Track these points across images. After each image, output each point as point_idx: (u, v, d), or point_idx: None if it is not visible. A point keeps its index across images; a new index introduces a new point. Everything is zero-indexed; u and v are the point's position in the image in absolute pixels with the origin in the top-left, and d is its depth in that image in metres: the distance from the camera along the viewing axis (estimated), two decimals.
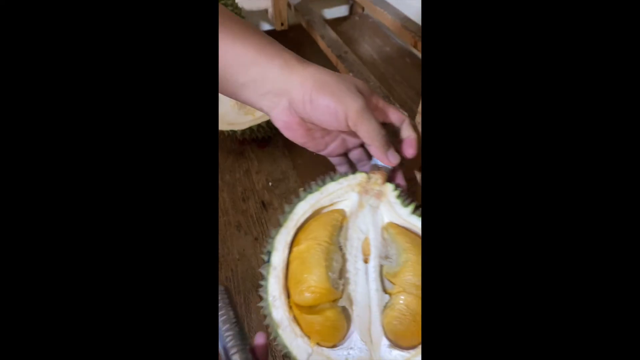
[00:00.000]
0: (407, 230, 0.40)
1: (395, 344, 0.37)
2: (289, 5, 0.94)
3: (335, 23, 1.02)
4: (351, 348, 0.39)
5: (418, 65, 0.92)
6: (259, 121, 0.75)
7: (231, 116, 0.79)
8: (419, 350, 0.36)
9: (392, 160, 0.40)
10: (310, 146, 0.44)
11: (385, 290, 0.40)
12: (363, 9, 1.11)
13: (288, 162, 0.76)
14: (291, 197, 0.45)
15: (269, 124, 0.74)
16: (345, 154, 0.47)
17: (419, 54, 0.92)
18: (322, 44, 0.82)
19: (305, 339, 0.39)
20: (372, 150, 0.40)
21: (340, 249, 0.42)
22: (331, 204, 0.44)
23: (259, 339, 0.41)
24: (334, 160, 0.48)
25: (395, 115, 0.42)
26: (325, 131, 0.42)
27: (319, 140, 0.43)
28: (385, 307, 0.38)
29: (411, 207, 0.40)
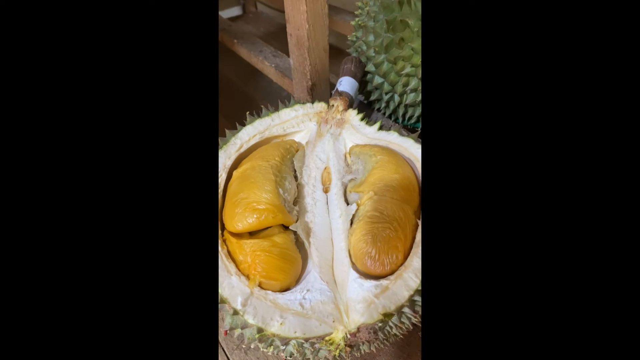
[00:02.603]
0: (374, 145, 0.34)
1: (367, 273, 0.27)
2: None
3: (229, 21, 1.05)
4: (308, 290, 0.27)
5: None
6: None
7: None
8: (400, 272, 0.26)
9: None
10: None
11: (348, 204, 0.31)
12: (256, 6, 1.20)
13: None
14: None
15: None
16: None
17: None
18: None
19: (243, 278, 0.27)
20: None
21: (296, 177, 0.34)
22: (285, 134, 0.37)
23: None
24: None
25: None
26: None
27: None
28: (351, 224, 0.29)
29: (377, 125, 0.35)
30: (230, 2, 1.21)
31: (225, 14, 1.21)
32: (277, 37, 1.03)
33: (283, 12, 0.93)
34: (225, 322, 0.28)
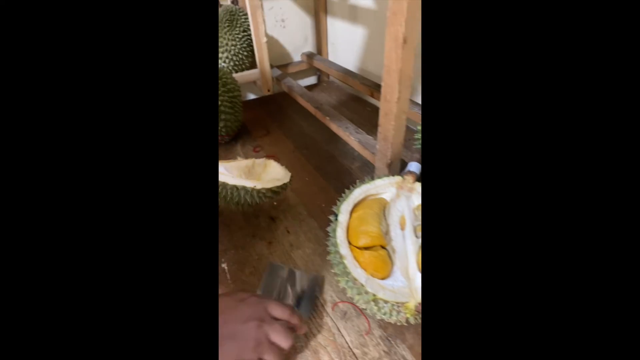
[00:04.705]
0: None
1: None
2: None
3: (307, 89, 1.29)
4: (395, 280, 0.53)
5: (375, 110, 1.25)
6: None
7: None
8: None
9: None
10: None
11: (417, 237, 0.57)
12: (328, 76, 1.53)
13: None
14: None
15: None
16: None
17: (374, 102, 1.28)
18: (302, 101, 1.14)
19: (363, 270, 0.53)
20: None
21: (385, 220, 0.60)
22: (377, 194, 0.64)
23: None
24: None
25: None
26: None
27: None
28: (417, 250, 0.55)
29: None
30: (309, 73, 1.57)
31: (304, 82, 1.56)
32: (347, 105, 1.34)
33: (347, 85, 1.24)
34: (348, 292, 0.53)
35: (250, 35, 1.13)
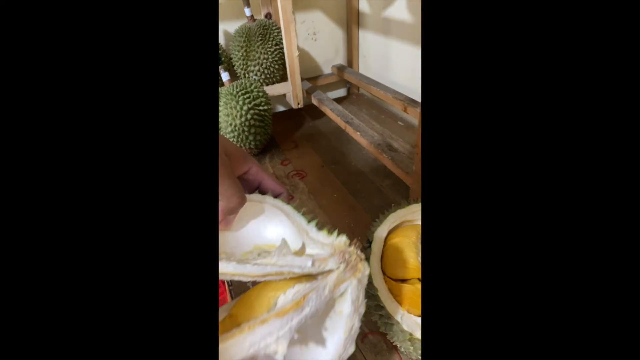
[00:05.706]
0: None
1: None
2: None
3: (337, 101, 1.30)
4: None
5: (408, 126, 1.20)
6: None
7: None
8: None
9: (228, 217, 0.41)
10: None
11: None
12: (358, 89, 1.49)
13: (314, 203, 0.93)
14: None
15: None
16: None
17: (409, 117, 1.22)
18: (331, 115, 1.11)
19: (398, 305, 0.49)
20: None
21: None
22: (414, 220, 0.60)
23: None
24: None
25: (271, 185, 0.47)
26: None
27: None
28: None
29: None
30: (339, 85, 1.55)
31: (333, 94, 1.55)
32: (377, 119, 1.31)
33: (379, 98, 1.21)
34: (381, 328, 0.50)
35: (282, 48, 1.13)
